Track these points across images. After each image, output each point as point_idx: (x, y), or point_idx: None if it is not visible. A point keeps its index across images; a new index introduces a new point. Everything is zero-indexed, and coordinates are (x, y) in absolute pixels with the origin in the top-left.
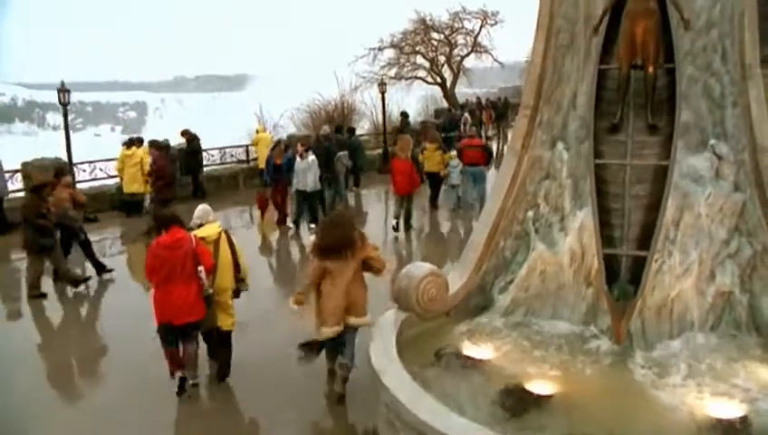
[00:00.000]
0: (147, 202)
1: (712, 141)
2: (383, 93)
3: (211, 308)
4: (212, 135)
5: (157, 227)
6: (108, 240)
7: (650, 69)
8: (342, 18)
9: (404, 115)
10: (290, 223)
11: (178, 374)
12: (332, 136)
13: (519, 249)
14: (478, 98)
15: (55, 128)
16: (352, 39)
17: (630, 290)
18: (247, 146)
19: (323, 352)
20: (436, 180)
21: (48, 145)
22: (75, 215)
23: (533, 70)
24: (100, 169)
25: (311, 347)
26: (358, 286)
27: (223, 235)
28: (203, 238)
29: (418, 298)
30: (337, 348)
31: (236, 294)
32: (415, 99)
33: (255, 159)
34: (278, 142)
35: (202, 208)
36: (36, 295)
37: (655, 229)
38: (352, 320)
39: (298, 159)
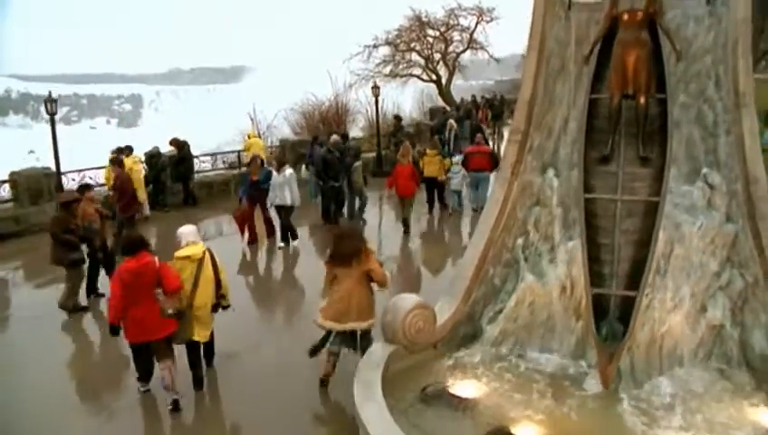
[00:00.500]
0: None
1: (704, 170)
2: (376, 97)
3: (188, 322)
4: (208, 129)
5: (124, 250)
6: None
7: (642, 99)
8: (338, 13)
9: (397, 118)
10: (279, 242)
11: (171, 395)
12: (342, 145)
13: (508, 277)
14: (473, 96)
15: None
16: (348, 34)
17: (619, 329)
18: (239, 151)
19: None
20: (434, 185)
21: (43, 139)
22: (100, 229)
23: (524, 94)
24: (90, 178)
25: (315, 349)
26: (361, 292)
27: (206, 254)
28: (188, 257)
29: (405, 331)
30: (343, 343)
31: (215, 308)
32: (410, 96)
33: (248, 165)
34: (254, 158)
35: (188, 229)
36: (78, 308)
37: (645, 268)
38: (351, 324)
39: (275, 173)
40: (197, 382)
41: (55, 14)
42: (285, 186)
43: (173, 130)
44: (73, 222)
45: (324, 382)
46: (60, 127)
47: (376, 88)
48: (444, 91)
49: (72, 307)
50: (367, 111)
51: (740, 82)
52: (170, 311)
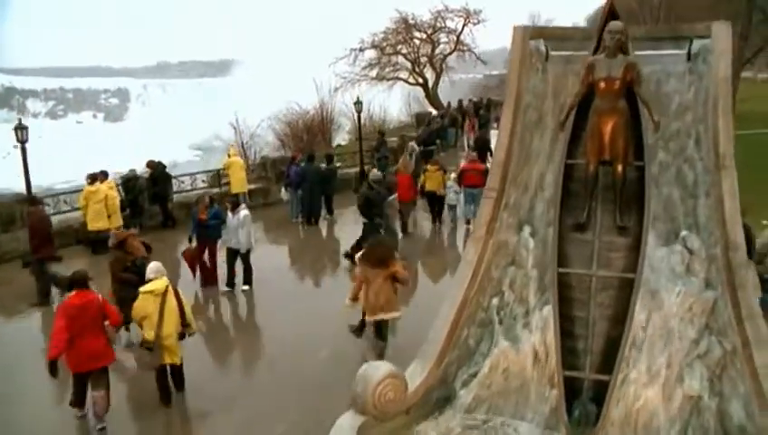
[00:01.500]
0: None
1: (684, 233)
2: (359, 112)
3: (158, 350)
4: (196, 123)
5: (70, 285)
6: None
7: (619, 169)
8: (326, 11)
9: (381, 133)
10: (223, 286)
11: (99, 423)
12: (380, 179)
13: (483, 338)
14: (460, 101)
15: (35, 115)
16: (335, 31)
17: (592, 411)
18: (218, 171)
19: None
20: (435, 199)
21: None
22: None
23: (500, 150)
24: (65, 202)
25: (357, 329)
26: (387, 291)
27: (169, 288)
28: (151, 292)
29: (375, 403)
30: (378, 330)
31: (182, 337)
32: (397, 99)
33: (228, 184)
34: (201, 198)
35: (152, 266)
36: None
37: (620, 348)
38: (381, 315)
39: (229, 215)
40: (167, 399)
41: (42, 7)
42: (240, 229)
43: (160, 125)
44: (129, 259)
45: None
46: (46, 121)
47: (359, 103)
48: (431, 94)
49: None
50: (353, 115)
51: (720, 143)
52: (124, 343)
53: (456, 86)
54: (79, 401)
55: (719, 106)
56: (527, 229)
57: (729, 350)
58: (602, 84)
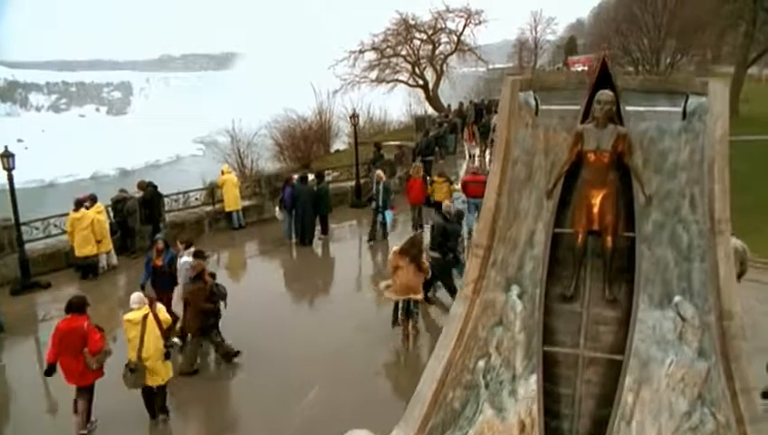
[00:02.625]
0: (102, 263)
1: (677, 299)
2: (355, 126)
3: (141, 371)
4: (199, 117)
5: (66, 308)
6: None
7: (609, 241)
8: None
9: (377, 146)
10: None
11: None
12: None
13: (468, 401)
14: (461, 104)
15: (38, 109)
16: (335, 32)
17: None
18: (212, 188)
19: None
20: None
21: (32, 127)
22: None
23: (487, 205)
24: (54, 226)
25: (394, 320)
26: (414, 277)
27: (149, 316)
28: (130, 320)
29: None
30: (407, 309)
31: (167, 356)
32: (397, 99)
33: (221, 202)
34: (155, 242)
35: (133, 297)
36: (191, 373)
37: (607, 431)
38: (411, 295)
39: (180, 259)
40: (153, 414)
41: (44, 0)
42: (183, 275)
43: (163, 118)
44: (208, 289)
45: (395, 321)
46: (49, 115)
47: (354, 117)
48: (431, 96)
49: (191, 371)
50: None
51: (716, 207)
52: (95, 366)
53: (458, 85)
54: (75, 409)
55: (715, 168)
56: (515, 290)
57: (723, 423)
58: (591, 156)
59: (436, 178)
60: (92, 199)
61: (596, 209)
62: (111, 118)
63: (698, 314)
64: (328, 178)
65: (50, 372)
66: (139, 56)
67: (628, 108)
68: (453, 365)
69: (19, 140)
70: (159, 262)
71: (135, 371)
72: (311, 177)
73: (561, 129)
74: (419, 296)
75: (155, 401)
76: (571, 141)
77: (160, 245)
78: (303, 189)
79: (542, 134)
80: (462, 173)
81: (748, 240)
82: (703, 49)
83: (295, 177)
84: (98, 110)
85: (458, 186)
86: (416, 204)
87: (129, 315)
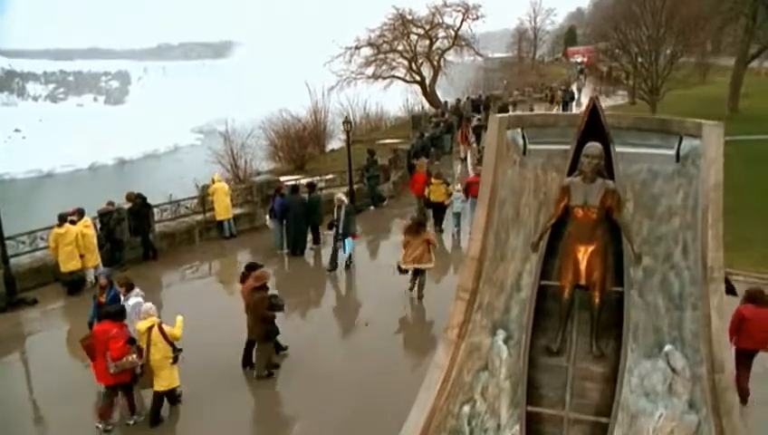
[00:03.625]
0: (90, 277)
1: (667, 348)
2: (348, 132)
3: (147, 375)
4: (197, 106)
5: (104, 315)
6: (56, 329)
7: (596, 297)
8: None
9: (370, 152)
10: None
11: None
12: None
13: None
14: (458, 101)
15: (35, 98)
16: (332, 26)
17: None
18: (203, 196)
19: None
20: (440, 208)
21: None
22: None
23: (473, 247)
24: (42, 238)
25: (401, 271)
26: (423, 249)
27: (155, 327)
28: (138, 330)
29: None
30: (416, 274)
31: (175, 360)
32: (394, 95)
33: (212, 210)
34: (98, 277)
35: (146, 307)
36: (268, 375)
37: None
38: (419, 265)
39: (122, 298)
40: (154, 419)
41: None
42: (134, 316)
43: (161, 108)
44: (268, 298)
45: (411, 289)
46: (47, 105)
47: (347, 123)
48: (428, 92)
49: (267, 374)
50: (349, 112)
51: (709, 255)
52: (112, 370)
53: (456, 79)
54: (101, 412)
55: (709, 215)
56: (501, 334)
57: None
58: (579, 212)
59: (433, 179)
60: (80, 213)
61: (583, 266)
62: (109, 107)
63: (689, 366)
64: (321, 184)
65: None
66: (136, 45)
67: (620, 149)
68: (437, 411)
69: (16, 130)
70: (103, 298)
71: (142, 374)
72: (304, 181)
73: (550, 168)
74: (429, 266)
75: (154, 403)
76: (558, 195)
77: (103, 281)
78: (295, 200)
79: (530, 173)
80: (457, 175)
81: (738, 252)
82: (702, 44)
83: (285, 187)
84: (96, 99)
85: (458, 186)
86: (421, 195)
87: (138, 325)
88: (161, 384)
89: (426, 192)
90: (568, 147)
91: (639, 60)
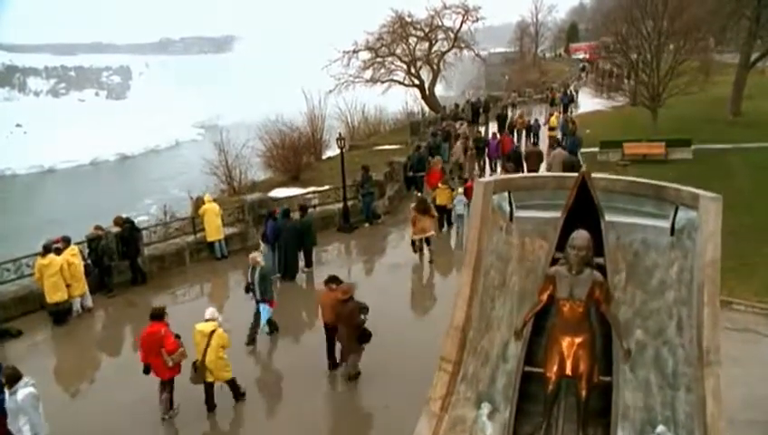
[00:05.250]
0: (76, 307)
1: (659, 429)
2: (341, 148)
3: (201, 371)
4: (199, 102)
5: (150, 316)
6: (44, 356)
7: (583, 389)
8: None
9: (365, 169)
10: None
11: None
12: None
13: None
14: (456, 106)
15: (37, 93)
16: (331, 28)
17: None
18: (193, 218)
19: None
20: (444, 211)
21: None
22: None
23: (457, 316)
24: (27, 265)
25: (414, 248)
26: (429, 224)
27: (216, 332)
28: (200, 331)
29: None
30: (423, 241)
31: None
32: (393, 98)
33: (202, 231)
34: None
35: (210, 311)
36: (357, 374)
37: None
38: (425, 235)
39: (6, 392)
40: (210, 408)
41: None
42: (20, 414)
43: (163, 103)
44: (358, 306)
45: (414, 251)
46: (48, 100)
47: (341, 139)
48: (427, 96)
49: (356, 374)
50: (347, 117)
51: (704, 335)
52: (170, 363)
53: (457, 76)
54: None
55: (705, 293)
56: (486, 408)
57: None
58: (565, 305)
59: (440, 184)
60: (66, 241)
61: (569, 359)
62: (111, 102)
63: None
64: (314, 200)
65: (146, 370)
66: (138, 39)
67: (612, 218)
68: None
69: (18, 125)
70: None
71: (197, 370)
72: (297, 204)
73: (538, 236)
74: (432, 234)
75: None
76: (542, 284)
77: None
78: (287, 224)
79: (516, 240)
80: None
81: (739, 279)
82: (704, 40)
83: (278, 211)
84: (97, 94)
85: (461, 190)
86: (435, 187)
87: (199, 326)
88: (221, 376)
89: (432, 195)
90: (557, 214)
91: (641, 65)
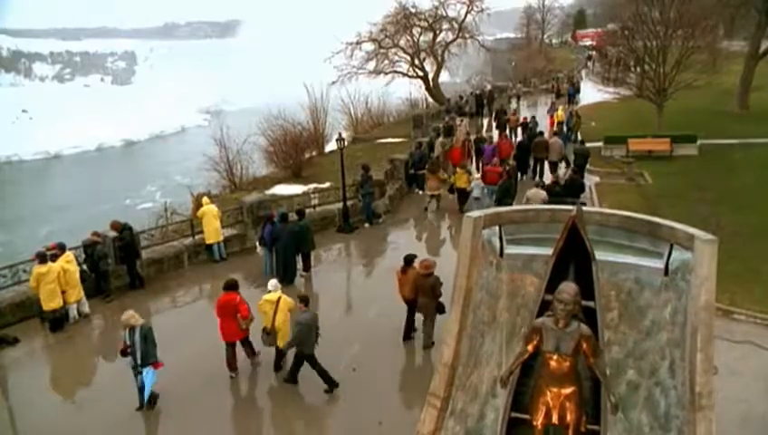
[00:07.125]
0: (72, 313)
1: None
2: (341, 149)
3: (273, 336)
4: (205, 87)
5: (223, 287)
6: (41, 363)
7: None
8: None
9: (365, 168)
10: None
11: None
12: None
13: None
14: (460, 98)
15: (42, 79)
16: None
17: None
18: (191, 220)
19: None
20: (463, 193)
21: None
22: None
23: (445, 353)
24: (24, 271)
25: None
26: (436, 183)
27: (282, 298)
28: (268, 300)
29: None
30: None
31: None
32: (397, 88)
33: (201, 233)
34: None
35: (273, 282)
36: (431, 344)
37: None
38: (438, 192)
39: None
40: (277, 368)
41: None
42: None
43: (168, 88)
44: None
45: (426, 209)
46: (53, 85)
47: (341, 140)
48: (431, 87)
49: (431, 344)
50: (350, 109)
51: (697, 380)
52: (244, 326)
53: (462, 64)
54: (230, 364)
55: (698, 337)
56: None
57: None
58: (551, 359)
59: (458, 169)
60: (61, 248)
61: (555, 410)
62: (116, 88)
63: None
64: (315, 200)
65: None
66: (143, 24)
67: (605, 257)
68: None
69: (24, 111)
70: None
71: (269, 334)
72: (296, 207)
73: (529, 272)
74: (442, 191)
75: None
76: (528, 334)
77: None
78: (284, 228)
79: (507, 276)
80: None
81: (741, 285)
82: (714, 28)
83: (276, 215)
84: (102, 80)
85: (478, 174)
86: (456, 165)
87: (267, 296)
88: (282, 343)
89: (451, 180)
90: (548, 249)
91: (647, 58)
